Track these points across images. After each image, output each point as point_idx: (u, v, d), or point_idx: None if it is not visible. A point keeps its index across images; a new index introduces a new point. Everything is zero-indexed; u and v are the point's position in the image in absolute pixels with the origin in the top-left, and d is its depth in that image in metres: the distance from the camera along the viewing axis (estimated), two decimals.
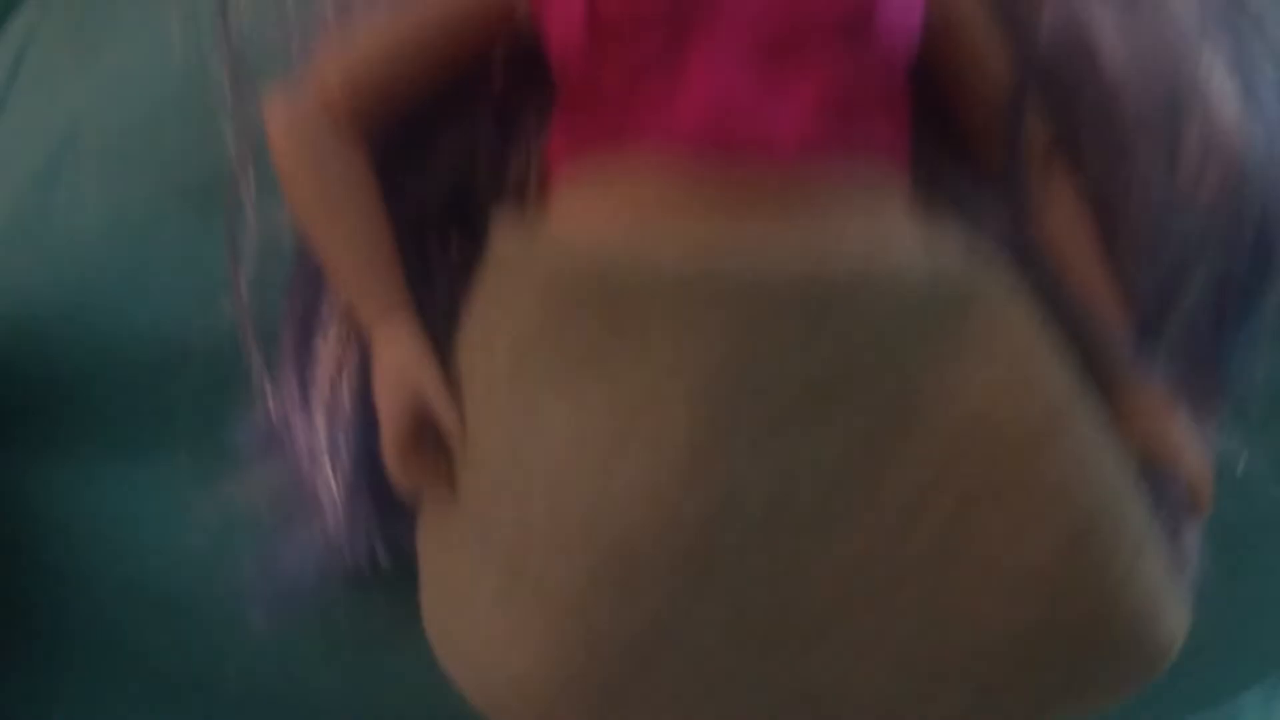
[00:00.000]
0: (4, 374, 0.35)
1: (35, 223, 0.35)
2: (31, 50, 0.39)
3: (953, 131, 0.27)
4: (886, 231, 0.23)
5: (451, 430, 0.25)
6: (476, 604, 0.26)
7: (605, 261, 0.22)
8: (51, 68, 0.38)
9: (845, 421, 0.23)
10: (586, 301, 0.22)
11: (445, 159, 0.27)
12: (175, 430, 0.32)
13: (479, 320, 0.26)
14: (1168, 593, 0.25)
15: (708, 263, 0.22)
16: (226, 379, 0.31)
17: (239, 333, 0.30)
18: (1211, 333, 0.28)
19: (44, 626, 0.37)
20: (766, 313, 0.22)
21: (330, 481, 0.29)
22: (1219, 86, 0.26)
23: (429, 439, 0.27)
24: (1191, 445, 0.27)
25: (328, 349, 0.29)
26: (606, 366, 0.22)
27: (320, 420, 0.29)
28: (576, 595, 0.23)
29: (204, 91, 0.31)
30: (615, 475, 0.22)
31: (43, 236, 0.34)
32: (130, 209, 0.33)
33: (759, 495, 0.23)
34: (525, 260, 0.24)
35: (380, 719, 0.34)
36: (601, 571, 0.23)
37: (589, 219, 0.23)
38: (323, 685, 0.34)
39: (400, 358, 0.25)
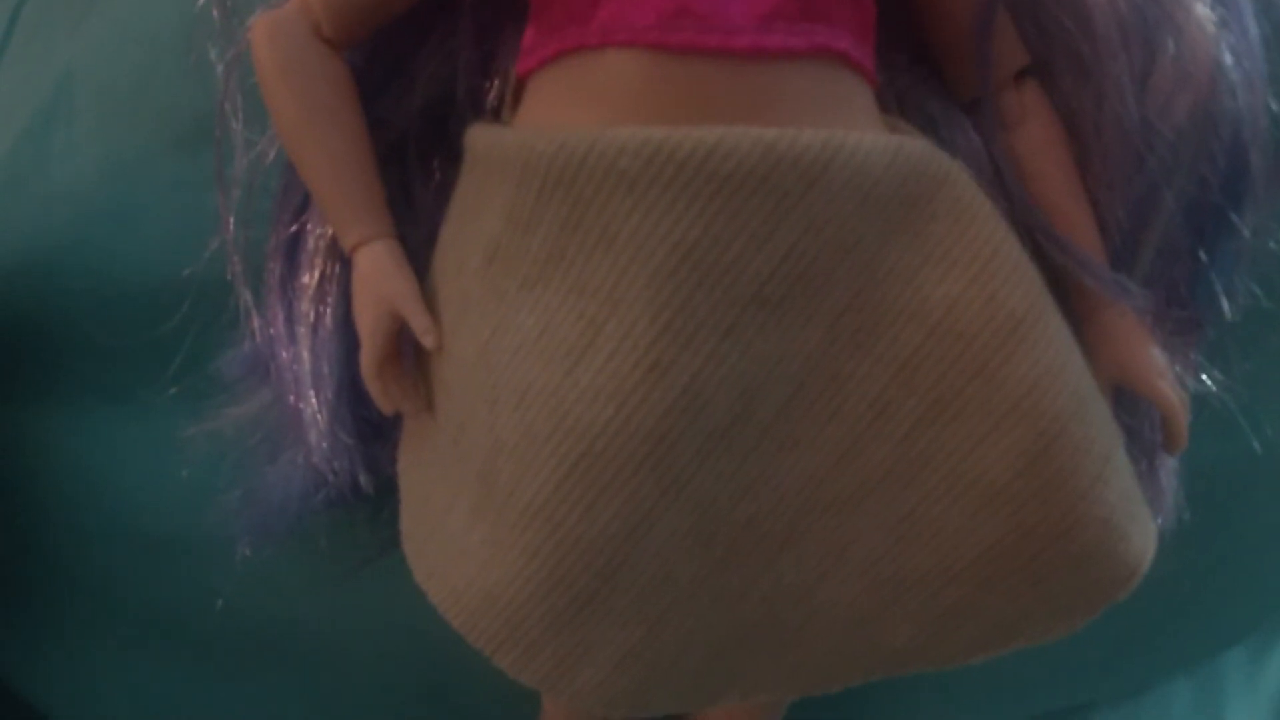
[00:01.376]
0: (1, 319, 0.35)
1: (31, 171, 0.35)
2: (28, 4, 0.39)
3: (925, 54, 0.27)
4: (850, 125, 0.23)
5: (424, 328, 0.25)
6: (452, 521, 0.26)
7: (566, 148, 0.22)
8: (47, 21, 0.38)
9: (806, 324, 0.23)
10: (550, 189, 0.23)
11: (425, 85, 0.28)
12: (166, 367, 0.33)
13: (454, 221, 0.26)
14: (1136, 507, 0.25)
15: (667, 145, 0.22)
16: (215, 315, 0.32)
17: (228, 267, 0.31)
18: (1187, 258, 0.28)
19: (35, 571, 0.38)
20: (728, 195, 0.22)
21: (314, 408, 0.29)
22: (1194, 11, 0.26)
23: (407, 357, 0.28)
24: (1166, 374, 0.28)
25: (311, 281, 0.29)
26: (571, 263, 0.23)
27: (305, 350, 0.29)
28: (544, 504, 0.23)
29: (196, 38, 0.31)
30: (580, 377, 0.23)
31: (38, 184, 0.35)
32: (123, 154, 0.34)
33: (722, 400, 0.23)
34: (494, 152, 0.24)
35: (360, 647, 0.35)
36: (568, 478, 0.23)
37: (556, 113, 0.24)
38: (305, 616, 0.34)
39: (377, 272, 0.26)
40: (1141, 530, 0.25)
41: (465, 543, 0.26)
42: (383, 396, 0.27)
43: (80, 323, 0.35)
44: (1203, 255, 0.28)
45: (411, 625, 0.30)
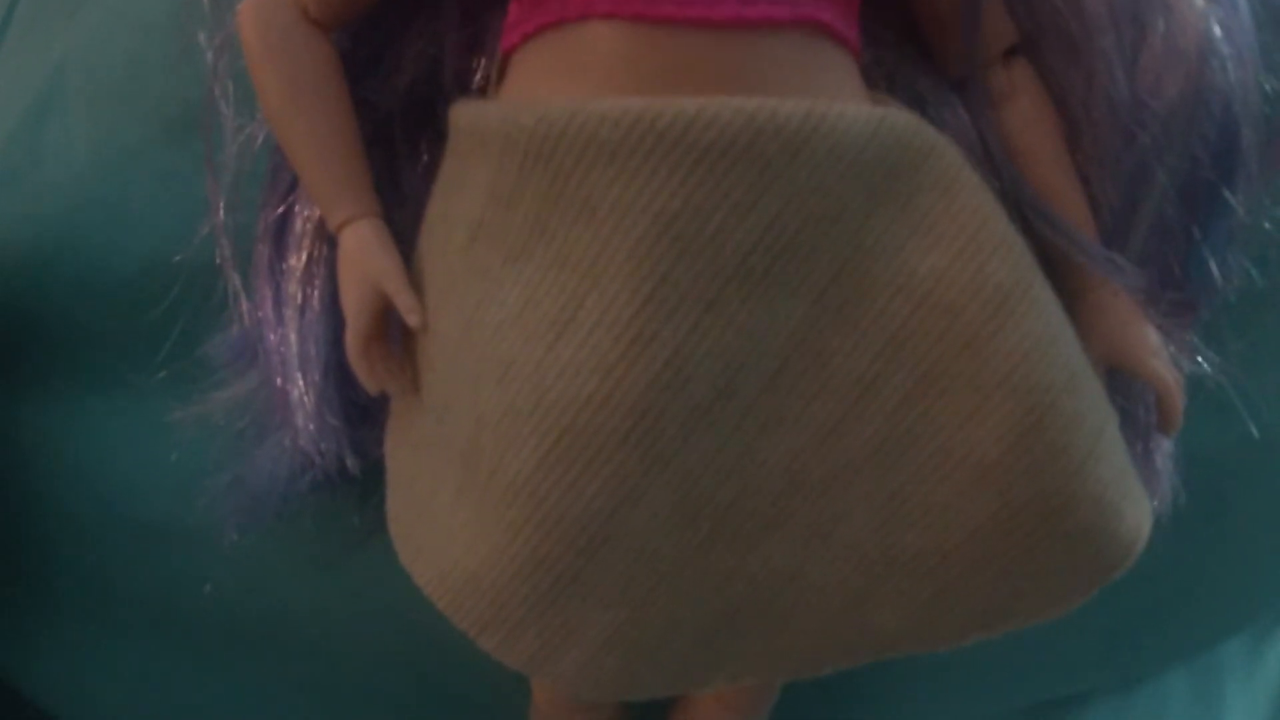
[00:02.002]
0: None
1: (26, 161, 0.35)
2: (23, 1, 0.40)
3: (913, 31, 0.27)
4: (833, 96, 0.23)
5: (408, 306, 0.25)
6: (438, 503, 0.26)
7: (546, 119, 0.22)
8: (44, 12, 0.38)
9: (791, 297, 0.23)
10: (531, 162, 0.23)
11: (412, 66, 0.28)
12: (155, 352, 0.33)
13: (439, 199, 0.26)
14: (1131, 484, 0.25)
15: (648, 114, 0.22)
16: (204, 300, 0.32)
17: (216, 251, 0.31)
18: (1179, 236, 0.28)
19: (23, 558, 0.38)
20: (709, 165, 0.22)
21: (301, 390, 0.29)
22: None
23: (393, 337, 0.27)
24: (1160, 352, 0.27)
25: (299, 263, 0.29)
26: (553, 237, 0.23)
27: (292, 332, 0.29)
28: (526, 481, 0.23)
29: (187, 28, 0.31)
30: (561, 351, 0.22)
31: (33, 174, 0.35)
32: (115, 144, 0.34)
33: (705, 375, 0.23)
34: (476, 127, 0.24)
35: (347, 631, 0.34)
36: (550, 453, 0.23)
37: (539, 86, 0.23)
38: (292, 600, 0.34)
39: (362, 251, 0.26)
40: (1136, 508, 0.25)
41: (450, 524, 0.26)
42: (368, 376, 0.27)
43: (70, 308, 0.35)
44: (1196, 232, 0.28)
45: (399, 608, 0.30)
